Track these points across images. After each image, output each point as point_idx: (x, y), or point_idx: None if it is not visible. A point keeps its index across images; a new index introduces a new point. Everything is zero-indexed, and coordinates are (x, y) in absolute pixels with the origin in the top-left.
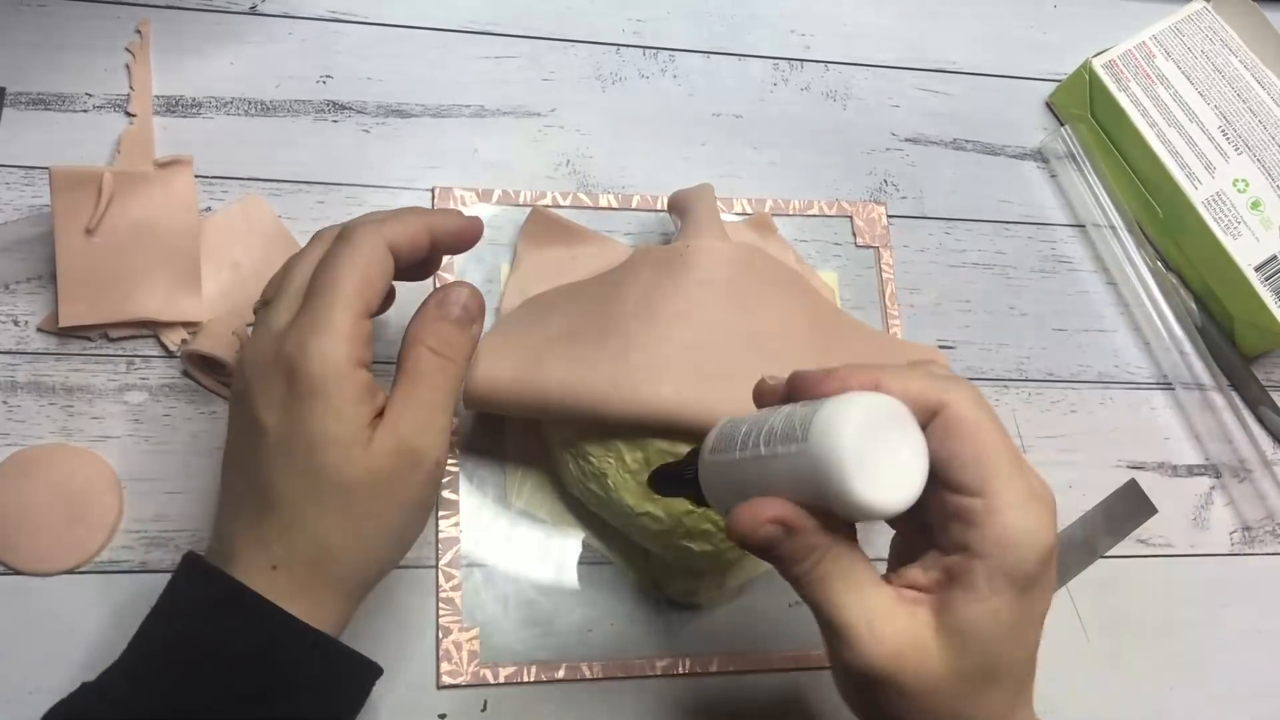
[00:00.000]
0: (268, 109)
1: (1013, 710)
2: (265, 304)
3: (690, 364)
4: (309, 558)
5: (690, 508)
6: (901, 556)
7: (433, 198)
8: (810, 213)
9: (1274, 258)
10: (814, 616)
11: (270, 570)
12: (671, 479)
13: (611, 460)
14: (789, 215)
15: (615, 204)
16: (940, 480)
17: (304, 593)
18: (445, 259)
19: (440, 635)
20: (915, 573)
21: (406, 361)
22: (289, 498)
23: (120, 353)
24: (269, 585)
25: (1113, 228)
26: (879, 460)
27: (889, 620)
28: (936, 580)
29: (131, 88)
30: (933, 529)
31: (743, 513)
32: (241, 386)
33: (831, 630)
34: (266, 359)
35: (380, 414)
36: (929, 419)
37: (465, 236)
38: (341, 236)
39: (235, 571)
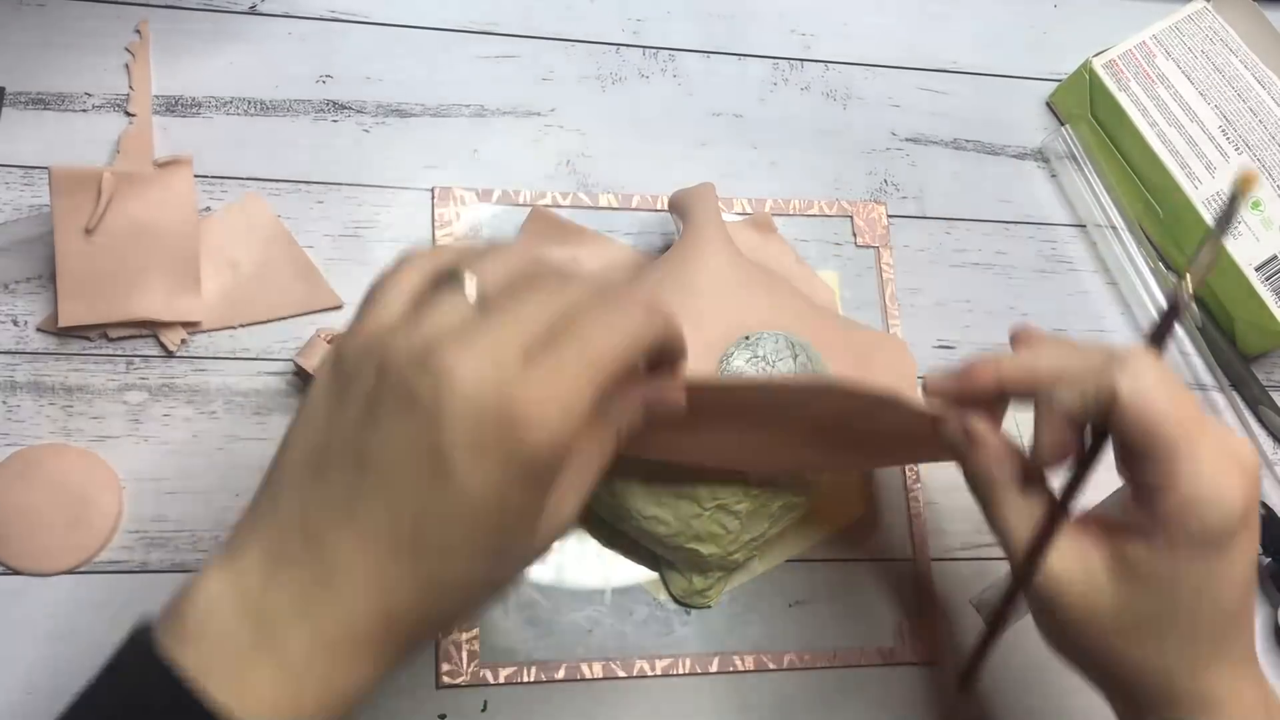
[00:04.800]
0: (267, 109)
1: (1208, 665)
2: (458, 279)
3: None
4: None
5: (699, 510)
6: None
7: (432, 197)
8: (810, 213)
9: (1274, 258)
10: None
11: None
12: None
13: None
14: (789, 215)
15: (615, 204)
16: (1123, 458)
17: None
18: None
19: (440, 635)
20: (1110, 513)
21: (592, 441)
22: (431, 558)
23: (120, 353)
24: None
25: (1113, 228)
26: None
27: (1054, 548)
28: (1124, 525)
29: (131, 88)
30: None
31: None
32: (420, 393)
33: (1007, 552)
34: (484, 391)
35: None
36: (1110, 406)
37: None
38: (624, 299)
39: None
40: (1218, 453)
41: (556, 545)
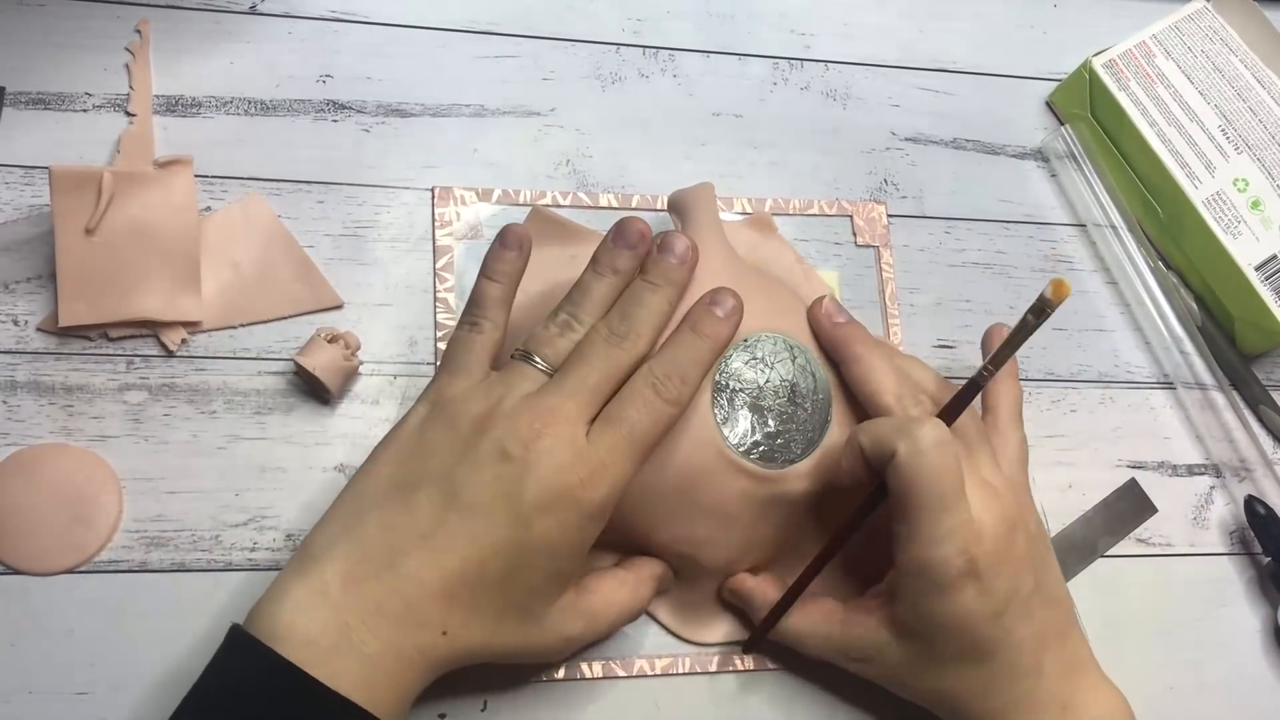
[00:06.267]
0: (268, 109)
1: (1006, 683)
2: (529, 358)
3: None
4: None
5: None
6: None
7: (432, 197)
8: (810, 212)
9: (1274, 257)
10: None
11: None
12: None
13: None
14: (789, 215)
15: (615, 204)
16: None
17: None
18: (445, 261)
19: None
20: (881, 585)
21: (644, 567)
22: (492, 588)
23: (120, 353)
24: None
25: (1113, 227)
26: None
27: (856, 626)
28: (888, 589)
29: (131, 87)
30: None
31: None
32: (520, 436)
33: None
34: (561, 459)
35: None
36: (889, 461)
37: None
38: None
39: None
40: (952, 524)
41: (567, 649)
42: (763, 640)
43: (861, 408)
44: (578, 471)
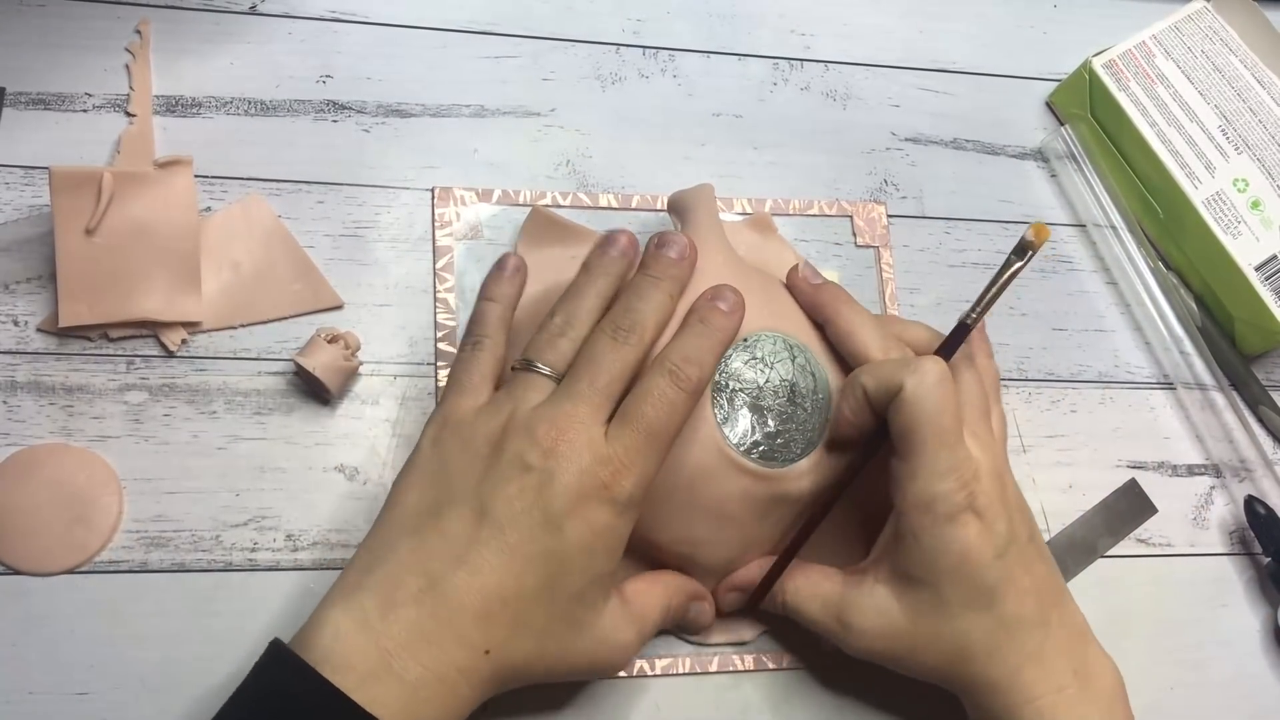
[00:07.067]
0: (268, 109)
1: (1016, 636)
2: (531, 366)
3: None
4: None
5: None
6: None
7: (432, 197)
8: (810, 213)
9: (1274, 258)
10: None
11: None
12: None
13: None
14: (789, 215)
15: (615, 204)
16: (894, 448)
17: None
18: (445, 262)
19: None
20: (878, 545)
21: (673, 581)
22: (528, 600)
23: (120, 353)
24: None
25: (1113, 227)
26: None
27: (854, 609)
28: (888, 542)
29: (131, 88)
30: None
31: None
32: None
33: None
34: (583, 462)
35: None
36: (894, 398)
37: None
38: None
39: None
40: (954, 459)
41: (620, 656)
42: (761, 599)
43: None
44: (600, 473)
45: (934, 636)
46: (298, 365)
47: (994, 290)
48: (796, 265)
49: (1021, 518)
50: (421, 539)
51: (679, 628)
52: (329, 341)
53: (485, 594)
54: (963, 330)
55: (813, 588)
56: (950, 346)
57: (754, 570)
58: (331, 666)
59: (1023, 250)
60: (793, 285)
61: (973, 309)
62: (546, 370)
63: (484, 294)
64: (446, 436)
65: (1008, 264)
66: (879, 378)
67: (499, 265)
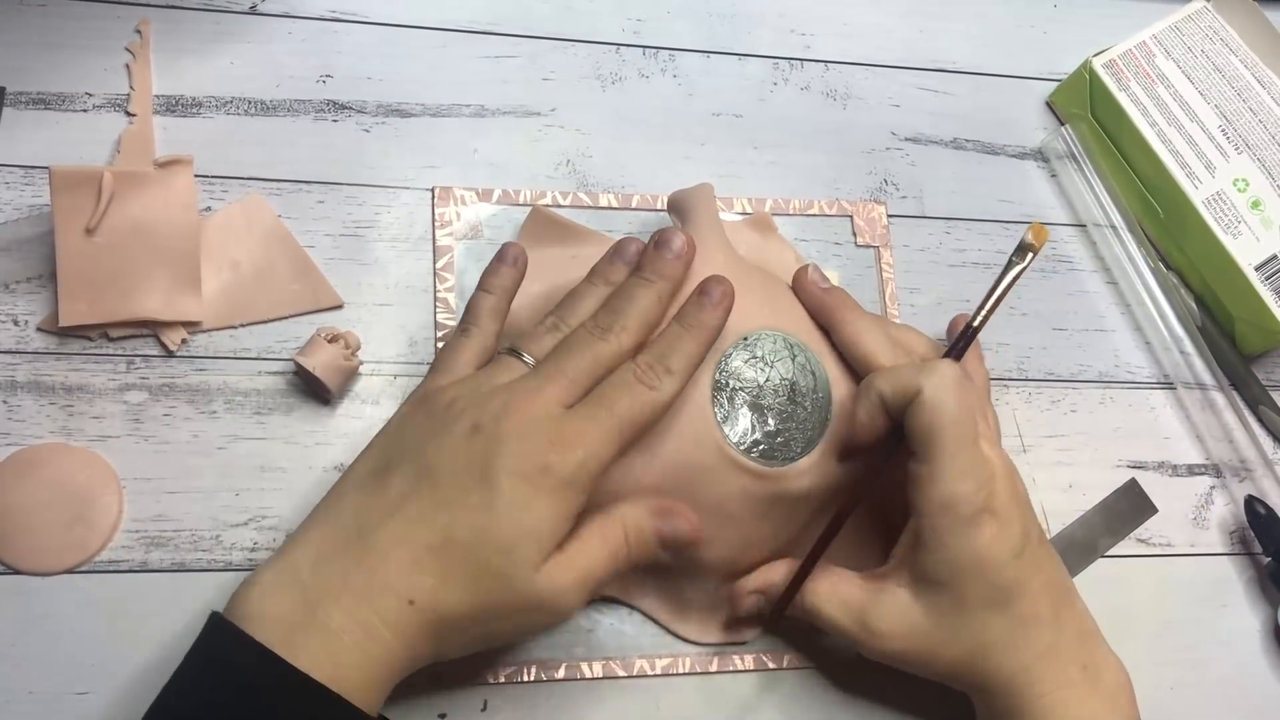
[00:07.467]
0: (268, 109)
1: (1030, 633)
2: (516, 353)
3: None
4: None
5: None
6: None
7: (432, 197)
8: (810, 212)
9: (1274, 257)
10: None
11: (408, 605)
12: None
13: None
14: (789, 215)
15: (615, 204)
16: (911, 451)
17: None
18: (445, 261)
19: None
20: (897, 548)
21: (609, 526)
22: (457, 553)
23: (120, 352)
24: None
25: (1113, 227)
26: None
27: (874, 614)
28: (907, 545)
29: (131, 87)
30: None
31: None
32: (509, 429)
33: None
34: (532, 425)
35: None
36: (911, 401)
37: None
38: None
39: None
40: (971, 460)
41: (563, 610)
42: (782, 614)
43: None
44: (548, 434)
45: (953, 637)
46: (298, 365)
47: (998, 293)
48: (805, 267)
49: (1032, 518)
50: (363, 495)
51: (673, 554)
52: (329, 341)
53: (413, 544)
54: (970, 333)
55: (835, 592)
56: (959, 349)
57: (773, 573)
58: (259, 622)
59: (1023, 252)
60: (800, 287)
61: (977, 312)
62: (528, 359)
63: (481, 284)
64: (414, 409)
65: (1009, 266)
66: (895, 382)
67: (499, 255)
